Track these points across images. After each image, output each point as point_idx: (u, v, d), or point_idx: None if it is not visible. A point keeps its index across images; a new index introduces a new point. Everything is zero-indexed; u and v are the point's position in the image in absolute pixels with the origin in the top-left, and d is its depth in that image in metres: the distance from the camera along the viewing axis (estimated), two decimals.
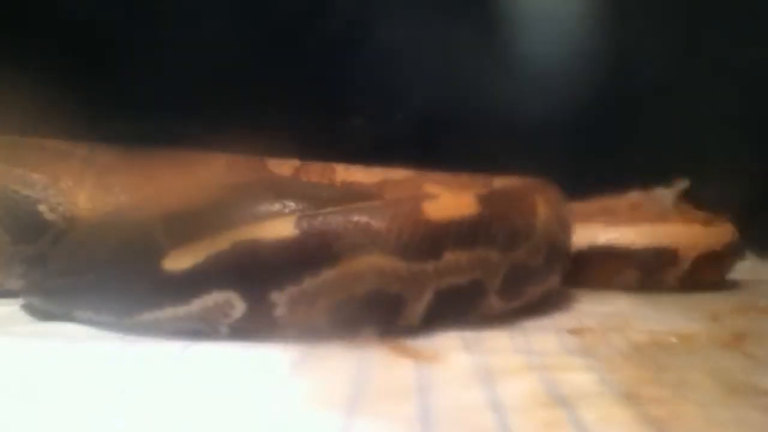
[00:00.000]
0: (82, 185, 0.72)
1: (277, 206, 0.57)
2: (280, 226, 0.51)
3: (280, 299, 0.50)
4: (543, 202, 0.60)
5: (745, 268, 0.84)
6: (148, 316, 0.52)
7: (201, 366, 0.46)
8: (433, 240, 0.53)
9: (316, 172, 0.82)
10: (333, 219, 0.51)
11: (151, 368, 0.45)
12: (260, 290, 0.50)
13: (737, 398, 0.40)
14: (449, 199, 0.55)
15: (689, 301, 0.67)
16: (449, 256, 0.53)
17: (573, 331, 0.54)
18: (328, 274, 0.50)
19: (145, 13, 0.91)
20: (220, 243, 0.51)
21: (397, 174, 0.83)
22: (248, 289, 0.51)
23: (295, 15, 0.94)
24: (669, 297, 0.70)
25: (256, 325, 0.51)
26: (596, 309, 0.62)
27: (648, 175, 0.90)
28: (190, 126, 0.77)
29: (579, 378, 0.43)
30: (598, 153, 0.89)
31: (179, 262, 0.51)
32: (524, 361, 0.46)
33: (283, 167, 0.82)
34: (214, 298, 0.51)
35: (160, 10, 0.91)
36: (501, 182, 0.75)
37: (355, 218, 0.51)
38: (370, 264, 0.51)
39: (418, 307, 0.52)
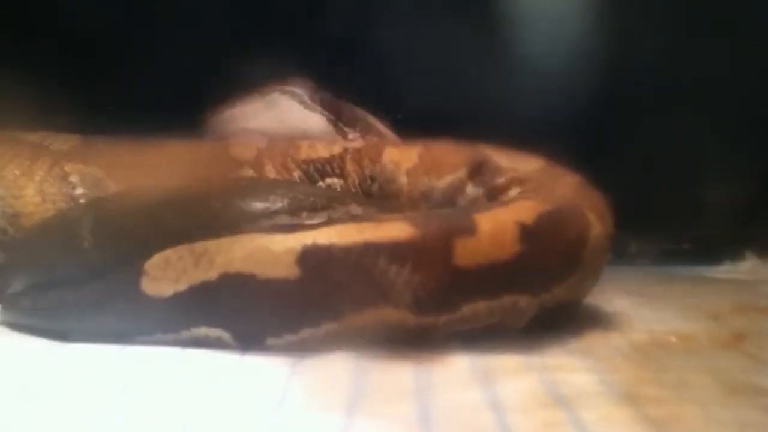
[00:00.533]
0: (31, 175, 0.63)
1: (255, 205, 0.51)
2: (280, 262, 0.44)
3: (277, 344, 0.46)
4: (596, 220, 0.52)
5: (745, 268, 0.84)
6: (143, 339, 0.48)
7: (201, 366, 0.46)
8: (454, 291, 0.46)
9: (279, 152, 0.73)
10: (342, 260, 0.43)
11: (151, 368, 0.45)
12: (255, 336, 0.46)
13: (737, 398, 0.40)
14: (489, 234, 0.46)
15: (689, 300, 0.67)
16: (466, 308, 0.47)
17: (573, 331, 0.54)
18: (329, 327, 0.45)
19: (145, 13, 0.91)
20: (205, 269, 0.45)
21: (357, 143, 0.75)
22: (241, 332, 0.46)
23: (295, 15, 0.94)
24: (669, 297, 0.70)
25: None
26: (596, 309, 0.62)
27: (648, 175, 0.90)
28: (190, 126, 0.77)
29: (579, 378, 0.43)
30: (598, 153, 0.89)
31: (159, 286, 0.46)
32: (524, 361, 0.46)
33: (246, 150, 0.74)
34: (203, 332, 0.46)
35: (160, 10, 0.91)
36: (510, 161, 0.63)
37: (369, 262, 0.43)
38: (376, 318, 0.45)
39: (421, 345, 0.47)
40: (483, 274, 0.46)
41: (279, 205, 0.50)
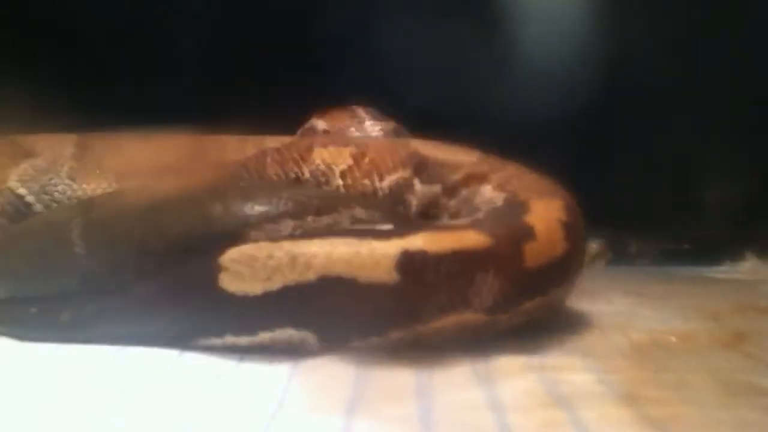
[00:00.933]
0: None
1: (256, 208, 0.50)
2: (380, 266, 0.44)
3: (359, 346, 0.46)
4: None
5: (745, 268, 0.84)
6: (204, 342, 0.47)
7: (201, 366, 0.46)
8: (522, 291, 0.48)
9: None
10: (435, 267, 0.44)
11: (150, 368, 0.45)
12: (343, 338, 0.45)
13: (737, 398, 0.40)
14: (546, 235, 0.49)
15: (689, 300, 0.67)
16: (527, 305, 0.49)
17: (573, 332, 0.54)
18: (415, 330, 0.46)
19: (145, 13, 0.91)
20: (302, 271, 0.44)
21: (273, 142, 0.70)
22: (328, 334, 0.45)
23: (295, 15, 0.94)
24: (669, 297, 0.70)
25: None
26: (596, 309, 0.62)
27: (648, 175, 0.90)
28: (190, 126, 0.77)
29: (579, 378, 0.43)
30: (598, 153, 0.89)
31: (244, 283, 0.45)
32: (524, 361, 0.46)
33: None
34: (288, 333, 0.45)
35: (161, 10, 0.91)
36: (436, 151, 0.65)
37: (458, 269, 0.45)
38: (457, 321, 0.46)
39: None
40: (543, 273, 0.49)
41: (283, 208, 0.50)
